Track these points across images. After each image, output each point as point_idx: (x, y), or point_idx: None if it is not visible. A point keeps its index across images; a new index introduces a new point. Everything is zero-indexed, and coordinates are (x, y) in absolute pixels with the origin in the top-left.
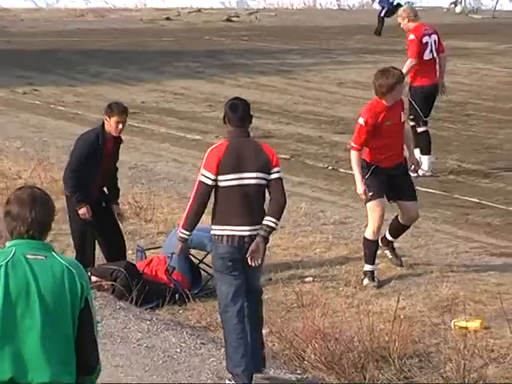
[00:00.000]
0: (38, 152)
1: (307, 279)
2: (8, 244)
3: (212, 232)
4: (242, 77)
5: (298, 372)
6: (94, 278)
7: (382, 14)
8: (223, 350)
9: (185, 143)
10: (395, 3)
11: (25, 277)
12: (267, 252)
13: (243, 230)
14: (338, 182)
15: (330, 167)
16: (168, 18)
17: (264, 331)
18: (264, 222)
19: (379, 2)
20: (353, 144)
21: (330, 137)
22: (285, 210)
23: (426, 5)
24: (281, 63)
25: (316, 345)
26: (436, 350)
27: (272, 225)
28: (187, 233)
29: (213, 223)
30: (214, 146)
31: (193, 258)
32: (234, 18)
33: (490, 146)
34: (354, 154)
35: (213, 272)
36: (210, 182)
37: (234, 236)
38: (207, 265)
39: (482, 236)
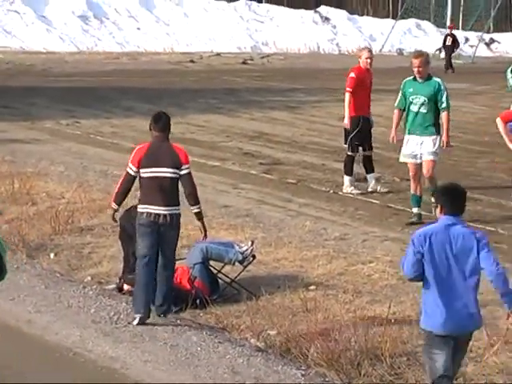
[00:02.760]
0: (79, 175)
1: (311, 287)
2: None
3: (138, 208)
4: (255, 112)
5: (303, 368)
6: (126, 287)
7: None
8: (238, 348)
9: (206, 169)
10: None
11: None
12: (277, 264)
13: (159, 210)
14: (339, 203)
15: (332, 191)
16: (192, 61)
17: (273, 332)
18: (192, 211)
19: None
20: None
21: (331, 164)
22: (292, 227)
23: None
24: (289, 100)
25: (318, 344)
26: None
27: (196, 211)
28: (116, 206)
29: (139, 202)
30: (139, 147)
31: (212, 269)
32: (248, 61)
33: (470, 173)
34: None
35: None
36: (132, 173)
37: (151, 213)
38: (225, 275)
39: None
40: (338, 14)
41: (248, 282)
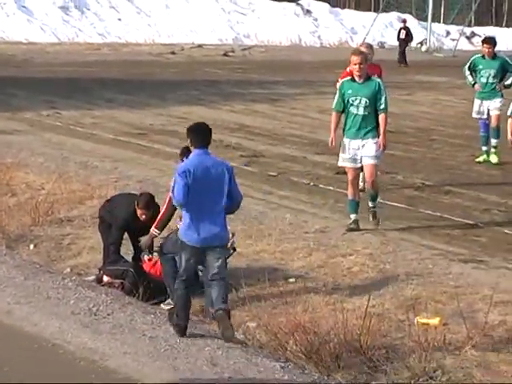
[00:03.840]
0: (59, 166)
1: (290, 280)
2: None
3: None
4: (236, 104)
5: (282, 360)
6: (105, 278)
7: None
8: (217, 340)
9: None
10: None
11: None
12: (257, 256)
13: None
14: (319, 196)
15: (312, 183)
16: (173, 52)
17: (252, 324)
18: None
19: None
20: None
21: (312, 157)
22: (272, 220)
23: (395, 44)
24: (270, 93)
25: (297, 337)
26: (401, 342)
27: None
28: (159, 232)
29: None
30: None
31: None
32: (230, 53)
33: (451, 167)
34: None
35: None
36: None
37: None
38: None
39: (443, 244)
40: (319, 7)
41: (228, 275)
